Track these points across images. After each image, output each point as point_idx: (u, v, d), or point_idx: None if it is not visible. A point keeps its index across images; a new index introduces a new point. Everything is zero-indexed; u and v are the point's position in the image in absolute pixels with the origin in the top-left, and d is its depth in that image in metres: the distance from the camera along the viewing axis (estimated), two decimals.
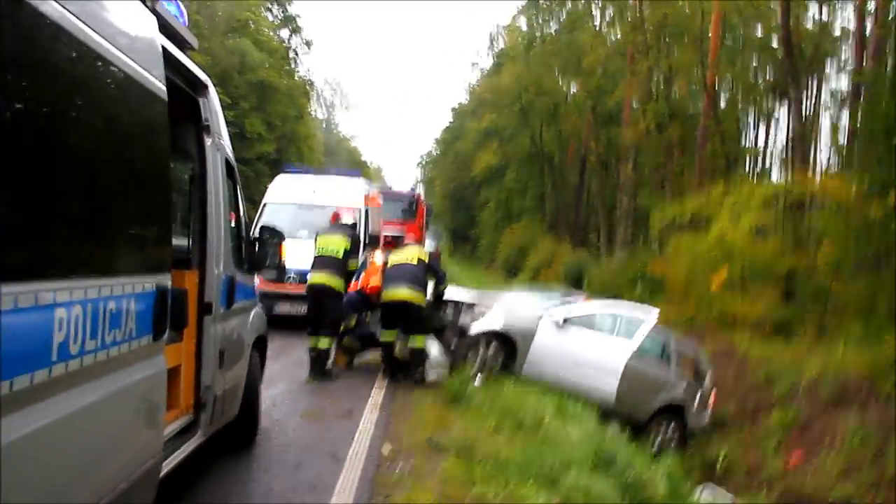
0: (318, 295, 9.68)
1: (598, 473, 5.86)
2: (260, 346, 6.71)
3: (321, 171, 17.16)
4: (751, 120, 34.76)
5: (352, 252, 9.74)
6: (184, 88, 4.89)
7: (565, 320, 10.27)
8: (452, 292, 11.40)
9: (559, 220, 45.44)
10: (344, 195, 15.20)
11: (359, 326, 10.44)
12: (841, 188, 13.16)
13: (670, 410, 11.04)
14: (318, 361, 9.60)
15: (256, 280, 6.70)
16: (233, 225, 5.85)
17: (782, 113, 33.34)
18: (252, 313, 6.30)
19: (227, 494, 5.33)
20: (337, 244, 9.78)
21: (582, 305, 10.85)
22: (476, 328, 10.00)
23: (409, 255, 9.79)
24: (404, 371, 9.79)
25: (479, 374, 9.91)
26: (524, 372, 10.28)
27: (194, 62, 4.93)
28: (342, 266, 9.69)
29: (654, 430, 10.99)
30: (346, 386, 9.31)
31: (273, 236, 6.40)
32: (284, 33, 58.27)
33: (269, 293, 13.17)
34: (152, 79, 3.62)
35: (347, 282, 9.85)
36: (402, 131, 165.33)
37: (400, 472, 5.94)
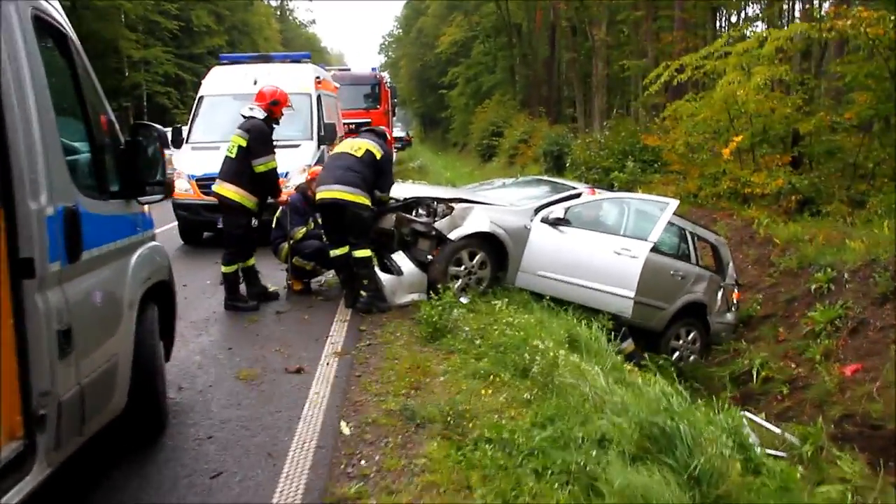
0: (219, 210, 7.95)
1: (648, 462, 4.01)
2: (161, 296, 4.75)
3: (262, 56, 14.72)
4: None
5: (253, 149, 7.62)
6: None
7: (565, 218, 8.34)
8: (424, 189, 9.40)
9: (532, 95, 43.37)
10: (290, 81, 13.01)
11: (308, 239, 8.48)
12: (876, 23, 11.03)
13: (690, 311, 9.31)
14: (228, 291, 7.87)
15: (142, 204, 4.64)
16: (87, 126, 3.82)
17: None
18: (136, 255, 4.29)
19: None
20: (234, 142, 7.74)
21: (586, 199, 8.88)
22: (456, 233, 8.04)
23: (356, 145, 7.78)
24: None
25: (464, 291, 8.06)
26: (518, 282, 8.43)
27: None
28: (238, 169, 7.66)
29: (672, 339, 9.29)
30: (298, 323, 7.40)
31: (149, 136, 4.31)
32: None
33: (197, 204, 11.21)
34: None
35: (261, 187, 7.81)
36: (362, 13, 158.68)
37: (362, 473, 4.09)
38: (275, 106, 7.93)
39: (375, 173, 7.70)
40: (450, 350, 6.35)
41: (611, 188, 15.93)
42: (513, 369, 5.66)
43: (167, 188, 4.53)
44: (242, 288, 8.03)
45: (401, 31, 78.49)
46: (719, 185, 14.13)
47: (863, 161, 13.13)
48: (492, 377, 5.55)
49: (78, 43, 3.84)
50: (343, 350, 6.42)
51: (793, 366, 8.54)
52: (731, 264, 10.15)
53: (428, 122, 74.70)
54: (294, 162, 11.68)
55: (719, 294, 9.79)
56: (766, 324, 9.91)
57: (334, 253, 7.87)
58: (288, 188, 11.38)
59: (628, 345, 8.69)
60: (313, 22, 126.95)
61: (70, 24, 3.78)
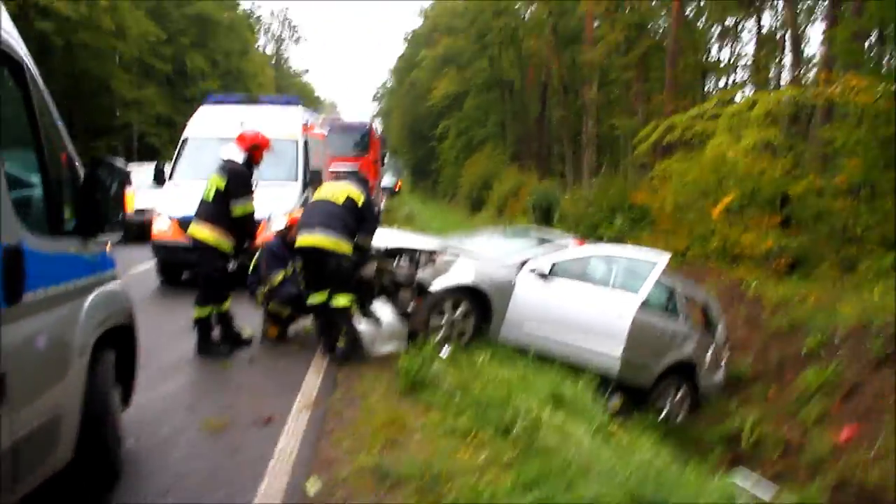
0: (196, 252, 7.59)
1: None
2: (120, 341, 4.47)
3: (251, 99, 14.59)
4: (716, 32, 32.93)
5: (232, 192, 7.35)
6: None
7: (552, 270, 8.12)
8: (408, 238, 9.17)
9: (522, 149, 43.62)
10: (278, 125, 12.87)
11: (286, 285, 8.20)
12: (865, 91, 11.02)
13: (679, 370, 9.05)
14: (200, 336, 7.52)
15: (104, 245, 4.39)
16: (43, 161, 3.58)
17: (748, 25, 31.62)
18: (92, 297, 4.01)
19: None
20: (212, 184, 7.50)
21: (573, 251, 8.67)
22: (440, 284, 7.79)
23: (336, 191, 7.53)
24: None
25: (445, 345, 7.78)
26: (502, 336, 8.17)
27: None
28: (217, 212, 7.39)
29: (660, 397, 9.02)
30: (271, 370, 7.09)
31: (111, 175, 4.07)
32: None
33: (176, 245, 10.87)
34: None
35: (239, 232, 7.53)
36: (356, 64, 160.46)
37: None
38: (255, 150, 7.73)
39: (357, 220, 7.47)
40: (428, 405, 6.05)
41: (600, 241, 15.79)
42: (494, 427, 5.36)
43: (126, 228, 4.29)
44: (217, 333, 7.73)
45: (394, 82, 79.09)
46: (708, 244, 13.98)
47: (851, 226, 13.03)
48: (471, 435, 5.25)
49: (36, 73, 3.60)
50: (316, 401, 6.11)
51: (785, 428, 8.29)
52: (721, 324, 9.93)
53: (419, 172, 74.82)
54: (278, 205, 11.46)
55: (709, 353, 9.56)
56: (757, 384, 9.69)
57: (312, 300, 7.58)
58: (270, 231, 11.20)
59: (615, 401, 8.43)
60: (307, 71, 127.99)
61: (29, 54, 3.54)
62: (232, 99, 14.42)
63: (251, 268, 8.40)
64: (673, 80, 25.89)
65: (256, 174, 7.86)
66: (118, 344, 4.45)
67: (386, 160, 36.42)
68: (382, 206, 28.78)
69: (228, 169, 7.49)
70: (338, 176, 8.72)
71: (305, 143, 13.01)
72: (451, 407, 5.91)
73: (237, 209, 7.35)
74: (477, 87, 49.60)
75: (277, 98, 15.09)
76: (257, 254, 8.43)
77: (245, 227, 7.56)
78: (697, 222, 14.82)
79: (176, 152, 12.98)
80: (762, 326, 10.72)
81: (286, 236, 8.36)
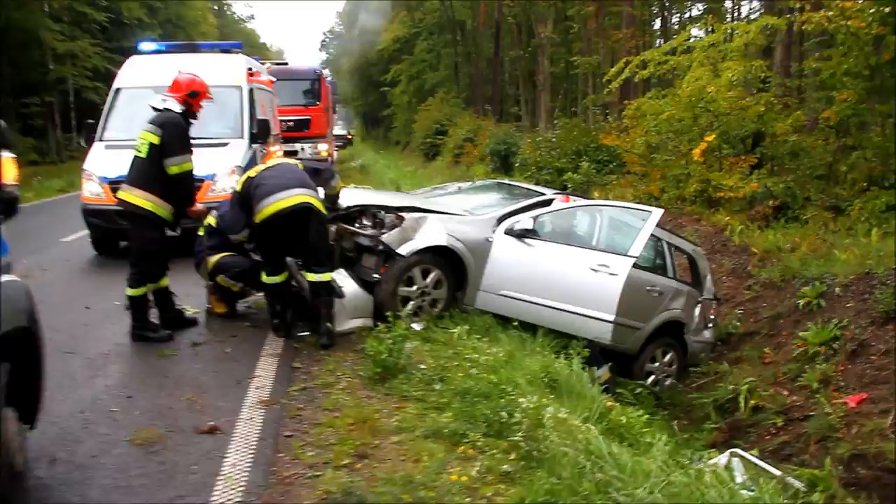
0: (128, 220, 6.59)
1: None
2: (17, 348, 3.50)
3: (188, 45, 13.32)
4: None
5: (167, 147, 6.32)
6: None
7: (533, 229, 7.23)
8: (369, 196, 8.20)
9: (476, 93, 42.43)
10: (219, 73, 11.70)
11: (238, 255, 7.22)
12: (856, 16, 10.20)
13: (667, 331, 8.29)
14: (134, 318, 6.50)
15: None
16: None
17: None
18: None
19: None
20: (143, 139, 6.43)
21: (557, 207, 7.77)
22: (407, 247, 6.86)
23: (282, 160, 6.87)
24: (307, 322, 6.75)
25: (416, 315, 6.89)
26: (479, 304, 7.29)
27: None
28: (151, 171, 6.36)
29: (647, 361, 8.26)
30: (218, 358, 6.10)
31: None
32: None
33: (111, 210, 9.69)
34: None
35: (177, 194, 6.51)
36: (304, 10, 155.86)
37: None
38: (192, 98, 6.65)
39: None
40: (403, 396, 5.18)
41: (564, 189, 14.97)
42: (485, 426, 4.49)
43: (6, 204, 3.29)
44: (154, 314, 6.73)
45: (342, 27, 76.90)
46: (684, 187, 13.20)
47: (835, 164, 12.34)
48: (459, 438, 4.39)
49: None
50: (270, 397, 5.18)
51: (785, 393, 7.54)
52: (708, 277, 9.18)
53: (370, 120, 73.26)
54: (221, 163, 10.39)
55: (697, 310, 8.81)
56: (749, 343, 8.94)
57: (271, 279, 6.59)
58: (214, 192, 10.12)
59: (604, 372, 7.65)
60: (252, 17, 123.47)
61: None
62: (167, 46, 13.15)
63: (202, 234, 7.38)
64: (631, 14, 25.01)
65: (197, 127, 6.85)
66: (14, 353, 3.47)
67: (337, 108, 35.11)
68: (335, 157, 27.55)
69: (162, 121, 6.42)
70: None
71: (251, 92, 11.89)
72: (431, 398, 5.05)
73: (173, 167, 6.30)
74: (428, 28, 48.17)
75: (218, 44, 13.79)
76: (210, 215, 7.43)
77: (183, 189, 6.52)
78: (672, 164, 13.99)
79: (106, 106, 11.74)
80: (751, 277, 9.97)
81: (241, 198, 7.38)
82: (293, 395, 5.26)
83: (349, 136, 58.92)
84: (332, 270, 6.56)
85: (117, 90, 11.76)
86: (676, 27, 29.92)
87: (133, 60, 12.30)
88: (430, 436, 4.47)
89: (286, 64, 26.36)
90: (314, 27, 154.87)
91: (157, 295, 6.74)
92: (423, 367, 5.55)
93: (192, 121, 6.66)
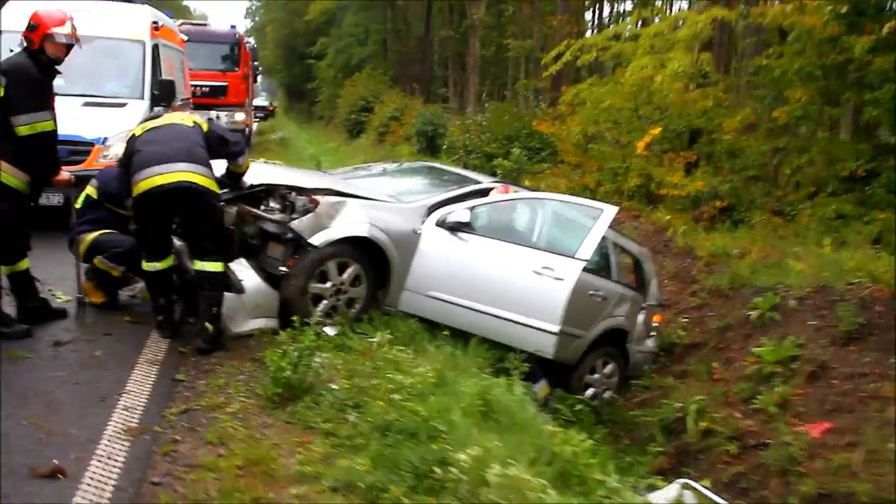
0: None
1: None
2: None
3: None
4: None
5: (13, 101, 5.04)
6: None
7: (467, 222, 6.28)
8: (279, 173, 7.11)
9: (404, 72, 41.25)
10: (117, 24, 10.43)
11: (119, 234, 6.09)
12: (812, 13, 9.61)
13: (608, 339, 7.48)
14: None
15: None
16: None
17: None
18: None
19: None
20: None
21: (495, 198, 6.83)
22: (322, 236, 5.82)
23: (177, 118, 5.53)
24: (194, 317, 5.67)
25: (329, 316, 5.88)
26: (403, 305, 6.34)
27: None
28: None
29: (586, 373, 7.44)
30: (82, 364, 4.94)
31: None
32: None
33: None
34: None
35: (33, 159, 5.25)
36: None
37: None
38: (33, 32, 5.28)
39: (211, 143, 5.46)
40: (309, 426, 4.17)
41: (493, 175, 14.11)
42: (411, 478, 3.53)
43: None
44: (8, 303, 5.53)
45: None
46: (622, 181, 12.46)
47: (778, 166, 11.79)
48: (377, 494, 3.41)
49: None
50: (140, 423, 4.10)
51: (739, 416, 6.81)
52: (653, 281, 8.42)
53: (294, 93, 71.00)
54: (116, 125, 9.11)
55: (641, 317, 8.04)
56: (695, 355, 8.22)
57: (152, 266, 5.45)
58: (106, 158, 8.88)
59: (542, 387, 6.82)
60: None
61: None
62: None
63: (78, 205, 6.19)
64: (566, 2, 24.45)
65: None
66: None
67: (259, 78, 33.48)
68: (254, 128, 26.10)
69: (5, 67, 5.19)
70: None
71: (155, 48, 10.61)
72: (344, 432, 4.05)
73: (22, 128, 5.05)
74: (358, 2, 46.68)
75: None
76: (90, 186, 6.24)
77: (40, 154, 5.29)
78: (609, 156, 13.25)
79: None
80: (696, 283, 9.26)
81: (125, 161, 6.23)
82: (170, 419, 4.19)
83: (271, 108, 57.13)
84: (224, 259, 5.45)
85: None
86: (607, 20, 29.40)
87: (12, 5, 10.82)
88: (339, 488, 3.48)
89: (204, 25, 24.75)
90: None
91: (14, 280, 5.54)
92: (334, 387, 4.55)
93: (56, 69, 5.41)
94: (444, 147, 21.57)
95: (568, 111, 14.42)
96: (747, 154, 13.06)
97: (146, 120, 5.71)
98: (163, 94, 10.16)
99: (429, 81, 40.07)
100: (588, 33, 28.79)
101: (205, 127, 5.51)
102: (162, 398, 4.48)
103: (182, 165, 5.09)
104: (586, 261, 6.29)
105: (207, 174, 5.22)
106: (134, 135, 5.40)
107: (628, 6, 32.94)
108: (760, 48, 15.23)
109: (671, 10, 29.89)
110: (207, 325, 5.32)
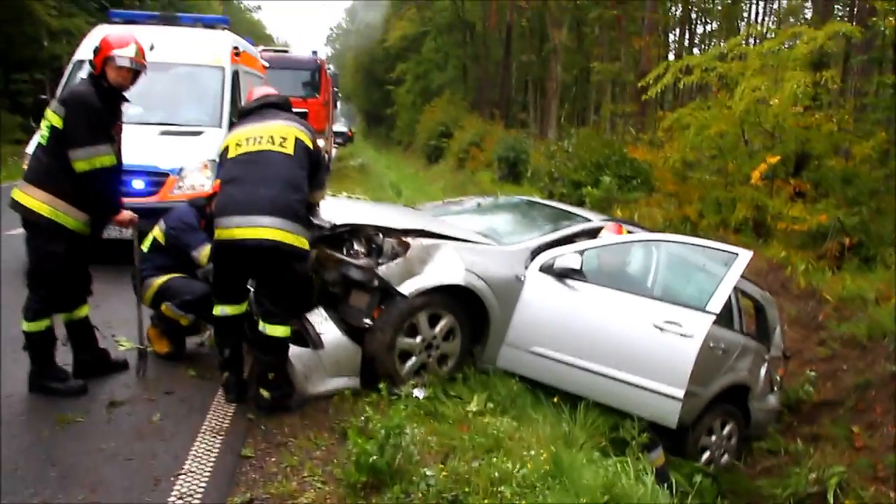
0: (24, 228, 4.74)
1: None
2: None
3: (165, 17, 11.51)
4: None
5: (70, 134, 4.45)
6: None
7: (578, 269, 5.45)
8: (363, 211, 6.42)
9: (482, 96, 40.79)
10: (198, 50, 10.04)
11: (191, 278, 5.49)
12: None
13: (728, 396, 6.52)
14: (34, 362, 4.72)
15: None
16: None
17: None
18: None
19: None
20: (46, 121, 4.56)
21: (608, 239, 5.98)
22: (412, 285, 5.08)
23: (279, 134, 4.69)
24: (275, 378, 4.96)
25: (419, 375, 5.13)
26: (502, 362, 5.53)
27: None
28: (51, 165, 4.56)
29: (700, 435, 6.48)
30: (137, 432, 4.29)
31: None
32: None
33: None
34: None
35: (90, 197, 4.65)
36: (312, 6, 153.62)
37: None
38: (96, 56, 4.66)
39: (311, 174, 4.76)
40: None
41: (581, 205, 13.25)
42: None
43: None
44: (65, 351, 4.94)
45: (349, 22, 75.31)
46: (726, 212, 11.42)
47: None
48: None
49: None
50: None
51: (893, 496, 5.80)
52: (777, 329, 7.43)
53: (372, 118, 71.53)
54: (192, 155, 8.62)
55: (763, 370, 7.06)
56: (828, 415, 7.20)
57: (222, 311, 4.79)
58: (181, 190, 8.39)
59: (658, 455, 5.90)
60: (259, 8, 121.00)
61: None
62: (141, 16, 11.39)
63: (140, 250, 5.60)
64: (653, 20, 23.48)
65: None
66: None
67: (339, 104, 33.37)
68: (333, 154, 25.80)
69: (65, 96, 4.62)
70: (253, 111, 5.43)
71: (235, 74, 10.13)
72: None
73: (79, 162, 4.45)
74: (437, 27, 46.51)
75: (201, 17, 12.01)
76: (158, 227, 5.67)
77: (99, 191, 4.69)
78: (711, 185, 12.22)
79: (63, 80, 9.94)
80: (824, 329, 8.22)
81: (203, 208, 5.66)
82: None
83: (350, 133, 57.46)
84: (287, 324, 4.69)
85: (78, 62, 9.95)
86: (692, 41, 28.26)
87: (99, 31, 10.51)
88: None
89: (286, 52, 24.58)
90: (322, 23, 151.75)
91: (72, 329, 4.96)
92: (429, 473, 3.76)
93: (122, 96, 4.80)
94: (528, 174, 20.80)
95: (666, 137, 13.45)
96: (864, 181, 11.91)
97: (242, 119, 5.05)
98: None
99: (508, 106, 39.48)
100: (670, 56, 27.82)
101: (309, 143, 4.76)
102: (225, 481, 3.77)
103: (267, 220, 4.35)
104: (717, 314, 5.38)
105: (295, 230, 4.46)
106: (227, 149, 4.75)
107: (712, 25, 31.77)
108: (869, 67, 14.06)
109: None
110: (262, 391, 4.63)
